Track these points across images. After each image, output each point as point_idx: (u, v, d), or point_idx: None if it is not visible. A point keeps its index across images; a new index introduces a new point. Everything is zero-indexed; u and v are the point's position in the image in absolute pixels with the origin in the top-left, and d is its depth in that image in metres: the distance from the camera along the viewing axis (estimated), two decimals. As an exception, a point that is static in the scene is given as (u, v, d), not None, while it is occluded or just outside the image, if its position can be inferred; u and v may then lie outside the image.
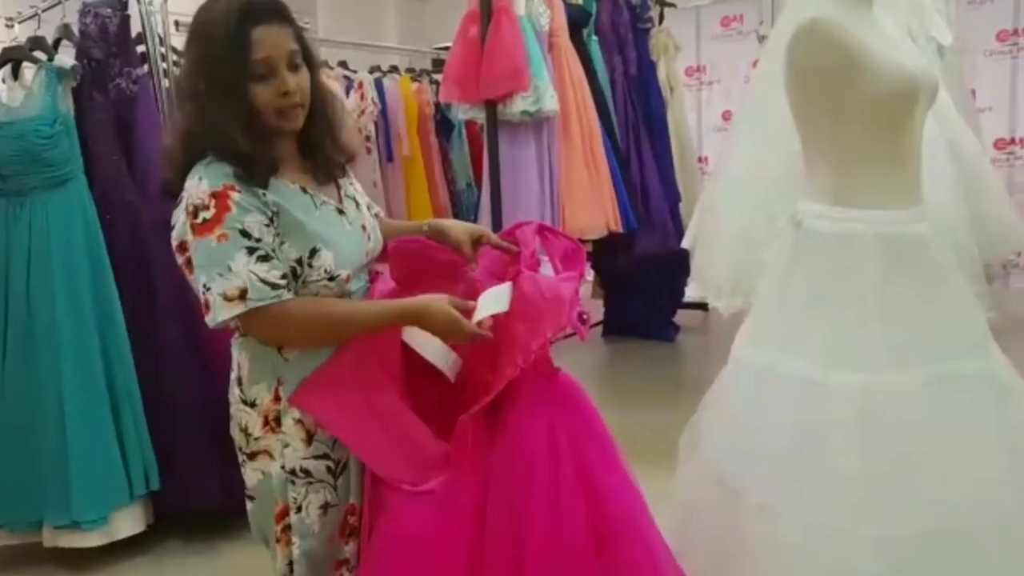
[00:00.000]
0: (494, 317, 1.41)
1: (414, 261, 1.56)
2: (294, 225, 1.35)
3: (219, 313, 1.29)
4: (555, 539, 1.33)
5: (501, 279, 1.50)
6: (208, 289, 1.29)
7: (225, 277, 1.28)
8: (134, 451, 2.44)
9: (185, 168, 1.34)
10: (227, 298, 1.28)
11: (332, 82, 3.53)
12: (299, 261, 1.35)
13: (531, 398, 1.39)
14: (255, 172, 1.33)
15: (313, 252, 1.36)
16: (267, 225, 1.32)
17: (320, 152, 1.45)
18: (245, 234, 1.29)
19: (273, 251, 1.32)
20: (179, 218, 1.33)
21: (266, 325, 1.33)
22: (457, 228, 1.59)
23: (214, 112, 1.30)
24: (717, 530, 1.66)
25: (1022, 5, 5.28)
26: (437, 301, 1.37)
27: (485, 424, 1.40)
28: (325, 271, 1.37)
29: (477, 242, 1.57)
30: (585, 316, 1.39)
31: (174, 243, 1.34)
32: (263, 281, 1.29)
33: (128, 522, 2.46)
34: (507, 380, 1.37)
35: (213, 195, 1.29)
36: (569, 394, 1.45)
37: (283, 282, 1.31)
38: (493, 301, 1.40)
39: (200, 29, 1.32)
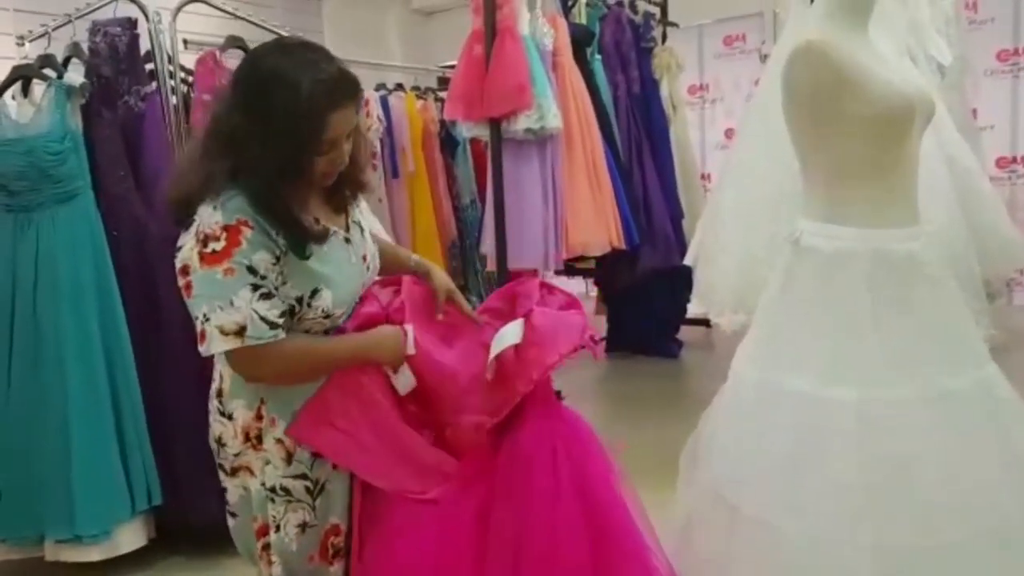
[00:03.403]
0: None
1: (421, 301, 1.60)
2: (300, 265, 1.36)
3: (214, 345, 1.30)
4: (554, 556, 1.35)
5: (503, 321, 1.55)
6: (207, 320, 1.30)
7: (226, 311, 1.29)
8: (136, 465, 2.45)
9: (199, 199, 1.34)
10: (224, 332, 1.29)
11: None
12: (299, 300, 1.37)
13: (536, 424, 1.43)
14: (300, 243, 1.35)
15: (315, 292, 1.38)
16: (274, 263, 1.33)
17: (341, 187, 1.47)
18: (252, 271, 1.30)
19: (276, 289, 1.33)
20: (187, 242, 1.33)
21: (255, 363, 1.35)
22: (437, 278, 1.63)
23: (268, 177, 1.30)
24: (718, 545, 1.66)
25: (1022, 25, 5.32)
26: (387, 327, 1.46)
27: (491, 443, 1.44)
28: (322, 311, 1.39)
29: (448, 297, 1.62)
30: (596, 337, 1.45)
31: (178, 265, 1.34)
32: (263, 319, 1.30)
33: (130, 537, 2.46)
34: (521, 395, 1.41)
35: (225, 228, 1.29)
36: (570, 422, 1.48)
37: (281, 321, 1.33)
38: (509, 335, 1.45)
39: (276, 98, 1.28)
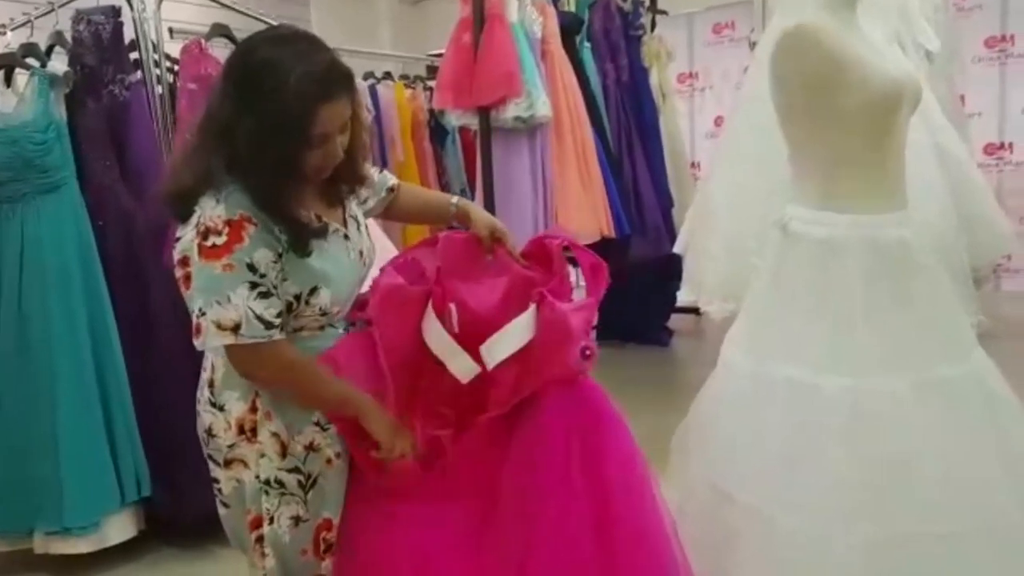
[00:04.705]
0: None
1: (463, 250, 1.59)
2: (300, 262, 1.35)
3: (210, 339, 1.30)
4: (560, 546, 1.34)
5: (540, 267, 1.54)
6: (203, 314, 1.29)
7: (223, 306, 1.28)
8: (125, 456, 2.44)
9: (198, 192, 1.32)
10: (220, 327, 1.28)
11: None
12: (297, 297, 1.36)
13: (552, 410, 1.41)
14: (299, 239, 1.33)
15: (313, 290, 1.37)
16: (274, 261, 1.31)
17: (337, 181, 1.45)
18: (251, 268, 1.29)
19: (274, 287, 1.32)
20: (187, 234, 1.31)
21: (249, 360, 1.34)
22: (480, 220, 1.60)
23: (260, 171, 1.28)
24: (709, 534, 1.67)
25: (1010, 12, 5.34)
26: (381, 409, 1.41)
27: (503, 426, 1.42)
28: (320, 308, 1.39)
29: (493, 237, 1.59)
30: (588, 352, 1.40)
31: (176, 256, 1.33)
32: (258, 318, 1.29)
33: (119, 528, 2.46)
34: (494, 414, 1.41)
35: (228, 223, 1.28)
36: (590, 400, 1.44)
37: (278, 321, 1.32)
38: (519, 333, 1.42)
39: (265, 90, 1.25)
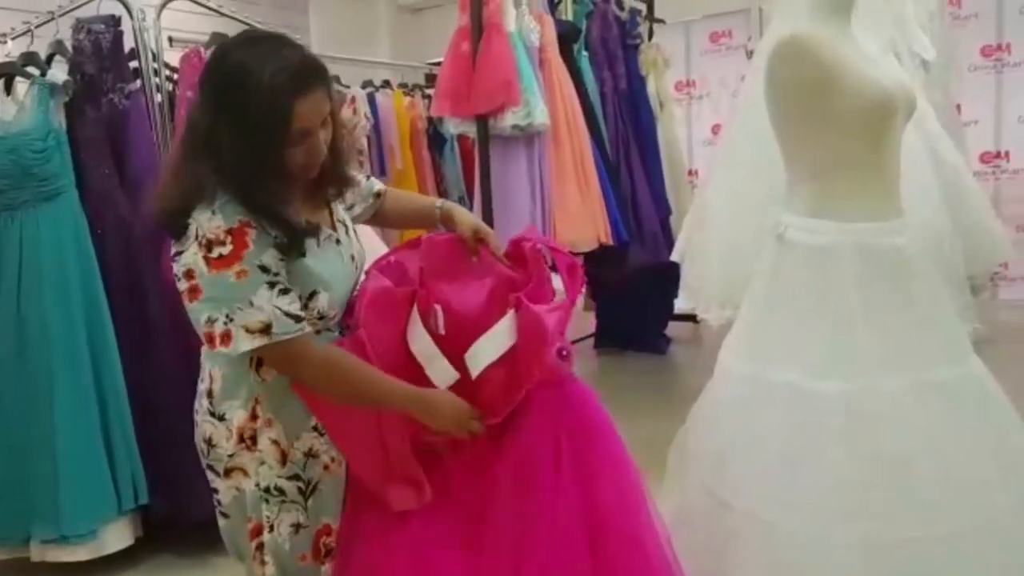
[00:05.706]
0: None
1: (446, 252, 1.58)
2: (298, 267, 1.35)
3: (241, 344, 1.28)
4: (557, 546, 1.34)
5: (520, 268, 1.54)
6: (230, 320, 1.27)
7: (246, 311, 1.27)
8: (123, 464, 2.44)
9: (189, 207, 1.31)
10: (249, 330, 1.28)
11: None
12: None
13: (541, 410, 1.41)
14: (294, 240, 1.33)
15: (312, 294, 1.37)
16: (281, 259, 1.32)
17: (324, 183, 1.45)
18: (265, 269, 1.29)
19: (290, 284, 1.32)
20: (189, 247, 1.29)
21: (286, 360, 1.33)
22: (464, 222, 1.59)
23: (246, 176, 1.28)
24: (707, 540, 1.67)
25: (1005, 21, 5.36)
26: (450, 395, 1.41)
27: (496, 428, 1.42)
28: (318, 312, 1.39)
29: (477, 238, 1.57)
30: (565, 352, 1.40)
31: (179, 270, 1.30)
32: (287, 314, 1.29)
33: (116, 536, 2.45)
34: (495, 421, 1.41)
35: (229, 231, 1.27)
36: (579, 405, 1.44)
37: (303, 313, 1.32)
38: (499, 340, 1.42)
39: (240, 93, 1.25)
